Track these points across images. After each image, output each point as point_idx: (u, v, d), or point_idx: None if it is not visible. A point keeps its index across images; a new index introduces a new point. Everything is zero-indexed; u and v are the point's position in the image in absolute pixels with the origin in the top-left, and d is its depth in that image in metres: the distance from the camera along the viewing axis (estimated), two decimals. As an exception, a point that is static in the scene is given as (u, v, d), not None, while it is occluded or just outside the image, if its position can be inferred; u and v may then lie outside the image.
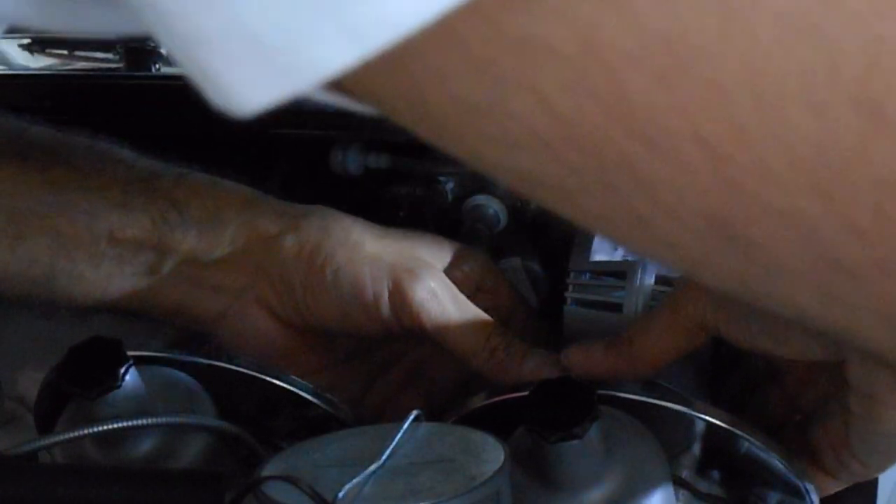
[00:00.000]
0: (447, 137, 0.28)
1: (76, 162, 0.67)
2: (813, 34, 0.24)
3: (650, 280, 0.65)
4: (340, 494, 0.48)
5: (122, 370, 0.56)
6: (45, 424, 0.63)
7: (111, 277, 0.66)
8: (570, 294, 0.67)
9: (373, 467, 0.50)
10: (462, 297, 0.65)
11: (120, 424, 0.56)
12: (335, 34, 0.24)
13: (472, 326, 0.64)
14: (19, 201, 0.66)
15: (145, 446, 0.59)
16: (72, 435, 0.56)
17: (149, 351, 0.62)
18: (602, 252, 0.68)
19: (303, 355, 0.67)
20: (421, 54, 0.26)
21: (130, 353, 0.57)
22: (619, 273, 0.66)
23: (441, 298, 0.64)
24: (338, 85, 0.27)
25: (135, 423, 0.56)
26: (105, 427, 0.56)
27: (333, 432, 0.57)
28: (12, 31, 0.92)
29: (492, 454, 0.51)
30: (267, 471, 0.51)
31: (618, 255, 0.68)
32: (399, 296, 0.64)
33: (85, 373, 0.56)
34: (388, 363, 0.70)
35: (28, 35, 0.92)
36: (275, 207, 0.67)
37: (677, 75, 0.25)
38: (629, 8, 0.24)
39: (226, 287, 0.67)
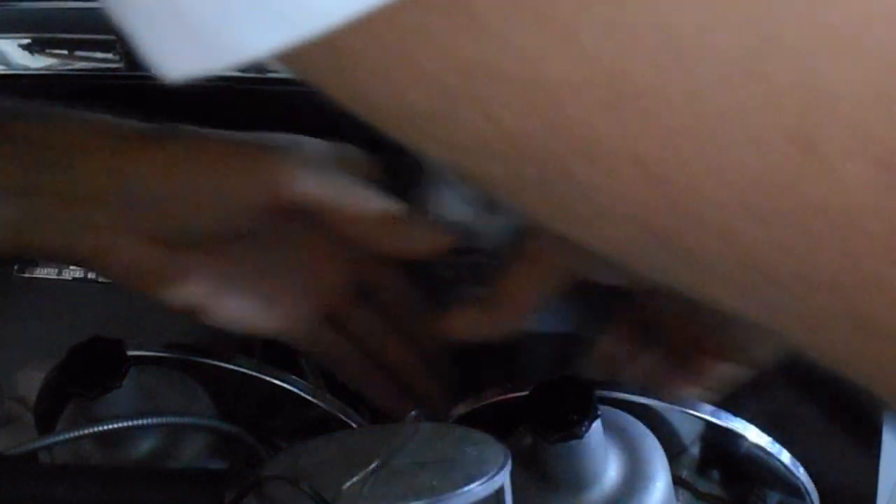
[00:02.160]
0: (396, 132, 0.29)
1: None
2: (754, 73, 0.25)
3: None
4: (340, 494, 0.48)
5: (122, 370, 0.56)
6: (45, 424, 0.63)
7: None
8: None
9: (373, 467, 0.50)
10: (341, 172, 0.65)
11: (120, 424, 0.56)
12: (258, 18, 0.25)
13: (358, 198, 0.64)
14: None
15: (145, 446, 0.59)
16: (72, 435, 0.56)
17: (149, 351, 0.62)
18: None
19: (190, 274, 0.66)
20: (372, 67, 0.27)
21: (130, 353, 0.57)
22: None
23: (324, 176, 0.64)
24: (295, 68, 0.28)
25: (135, 423, 0.56)
26: (105, 427, 0.56)
27: (333, 432, 0.57)
28: (12, 31, 0.92)
29: (492, 454, 0.51)
30: (267, 471, 0.51)
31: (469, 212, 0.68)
32: (279, 177, 0.64)
33: (85, 373, 0.56)
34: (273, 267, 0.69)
35: (28, 35, 0.92)
36: (136, 130, 0.68)
37: (618, 105, 0.26)
38: (574, 42, 0.25)
39: (96, 222, 0.66)
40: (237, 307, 0.66)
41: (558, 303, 0.63)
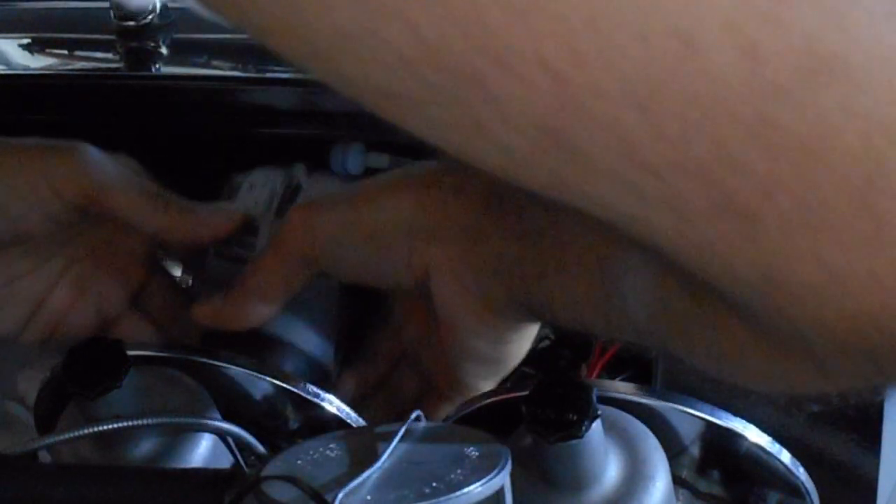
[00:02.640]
0: (318, 59, 0.33)
1: None
2: None
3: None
4: (340, 495, 0.48)
5: (122, 370, 0.56)
6: (45, 424, 0.63)
7: None
8: (211, 247, 0.70)
9: (373, 467, 0.50)
10: (118, 165, 0.68)
11: (120, 424, 0.56)
12: None
13: (138, 192, 0.67)
14: None
15: (145, 446, 0.59)
16: (72, 435, 0.56)
17: (149, 351, 0.62)
18: (243, 204, 0.71)
19: None
20: None
21: (130, 353, 0.57)
22: (254, 227, 0.70)
23: (104, 170, 0.66)
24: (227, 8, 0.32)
25: (135, 423, 0.56)
26: (105, 427, 0.56)
27: (333, 432, 0.57)
28: (12, 31, 0.92)
29: (492, 454, 0.51)
30: (267, 471, 0.51)
31: (260, 207, 0.71)
32: (63, 174, 0.66)
33: (85, 373, 0.56)
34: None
35: (28, 35, 0.92)
36: None
37: (530, 9, 0.30)
38: None
39: None
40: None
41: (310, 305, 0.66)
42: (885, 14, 0.32)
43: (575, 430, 0.52)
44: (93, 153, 0.67)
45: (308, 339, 0.67)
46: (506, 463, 0.50)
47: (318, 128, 0.80)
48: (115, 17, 0.87)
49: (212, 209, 0.68)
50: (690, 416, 0.58)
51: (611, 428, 0.56)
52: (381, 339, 0.69)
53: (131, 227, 0.67)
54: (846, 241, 0.33)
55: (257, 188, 0.71)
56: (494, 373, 0.64)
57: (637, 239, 0.36)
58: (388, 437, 0.52)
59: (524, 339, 0.63)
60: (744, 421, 0.58)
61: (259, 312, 0.64)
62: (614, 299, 0.55)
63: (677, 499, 0.58)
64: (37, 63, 0.91)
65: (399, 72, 0.32)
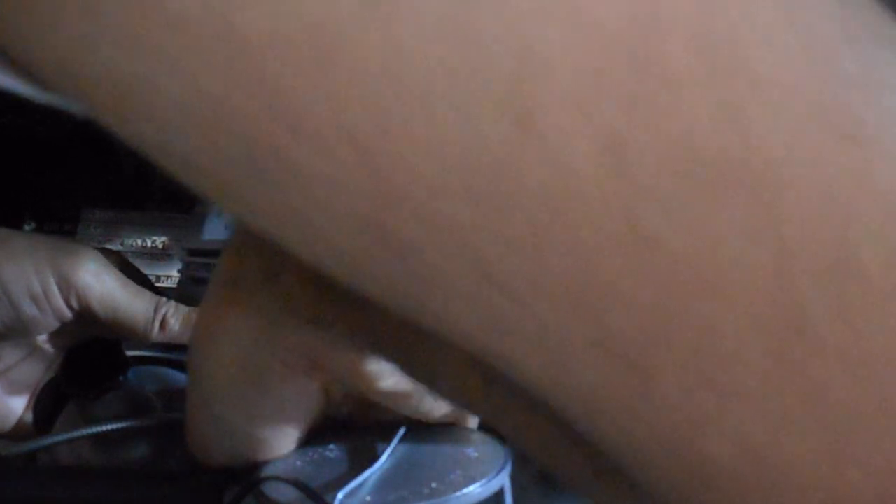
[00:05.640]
0: (106, 115, 0.25)
1: None
2: (457, 33, 0.22)
3: None
4: (340, 495, 0.48)
5: (122, 370, 0.56)
6: (45, 424, 0.63)
7: None
8: (183, 272, 0.70)
9: (373, 467, 0.50)
10: (121, 273, 0.67)
11: (120, 424, 0.56)
12: None
13: (138, 301, 0.66)
14: None
15: (145, 446, 0.59)
16: (72, 435, 0.56)
17: (149, 351, 0.62)
18: (213, 231, 0.71)
19: None
20: (65, 24, 0.23)
21: (130, 353, 0.57)
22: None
23: (104, 278, 0.66)
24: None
25: (135, 423, 0.56)
26: (105, 427, 0.56)
27: (333, 432, 0.57)
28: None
29: (492, 454, 0.51)
30: (267, 471, 0.51)
31: (230, 230, 0.73)
32: (65, 282, 0.65)
33: (85, 373, 0.56)
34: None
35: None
36: None
37: (318, 62, 0.23)
38: None
39: None
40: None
41: None
42: (806, 110, 0.23)
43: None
44: (93, 265, 0.67)
45: None
46: (506, 463, 0.50)
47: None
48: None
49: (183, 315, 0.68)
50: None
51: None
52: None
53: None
54: (767, 411, 0.24)
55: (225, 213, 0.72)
56: (417, 402, 0.54)
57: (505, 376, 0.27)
58: (388, 437, 0.52)
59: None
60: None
61: None
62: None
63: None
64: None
65: (187, 134, 0.24)
